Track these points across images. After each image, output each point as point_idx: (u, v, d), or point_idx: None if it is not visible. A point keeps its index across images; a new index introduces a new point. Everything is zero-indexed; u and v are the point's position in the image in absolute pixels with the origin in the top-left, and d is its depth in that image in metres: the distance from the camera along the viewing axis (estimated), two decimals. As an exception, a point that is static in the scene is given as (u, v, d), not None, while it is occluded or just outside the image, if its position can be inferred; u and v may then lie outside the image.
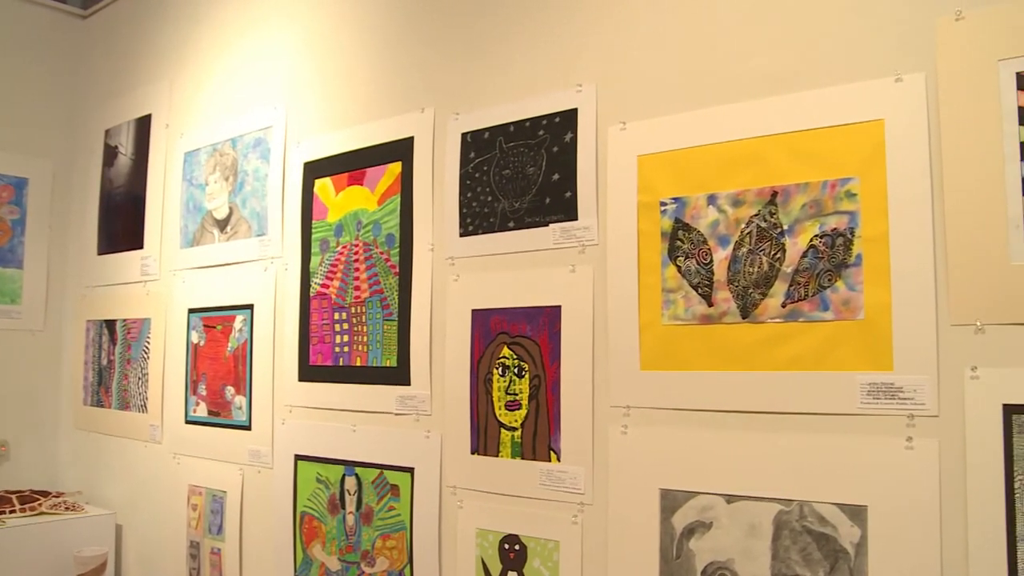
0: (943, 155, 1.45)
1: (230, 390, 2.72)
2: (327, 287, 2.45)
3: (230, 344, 2.74)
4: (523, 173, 2.01)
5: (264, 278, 2.65)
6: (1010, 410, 1.37)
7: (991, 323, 1.40)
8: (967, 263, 1.42)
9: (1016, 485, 1.35)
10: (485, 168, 2.10)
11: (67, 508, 3.10)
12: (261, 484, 2.60)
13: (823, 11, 1.60)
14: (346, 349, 2.38)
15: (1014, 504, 1.35)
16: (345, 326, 2.39)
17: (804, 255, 1.59)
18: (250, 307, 2.68)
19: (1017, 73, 1.39)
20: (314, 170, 2.54)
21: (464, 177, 2.14)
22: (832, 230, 1.56)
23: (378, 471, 2.27)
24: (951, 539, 1.41)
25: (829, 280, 1.56)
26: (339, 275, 2.42)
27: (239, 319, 2.72)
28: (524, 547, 1.95)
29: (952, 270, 1.43)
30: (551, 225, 1.95)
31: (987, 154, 1.40)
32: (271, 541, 2.54)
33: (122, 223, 3.31)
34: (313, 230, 2.51)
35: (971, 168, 1.42)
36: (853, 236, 1.54)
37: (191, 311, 2.90)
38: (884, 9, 1.53)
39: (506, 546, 1.98)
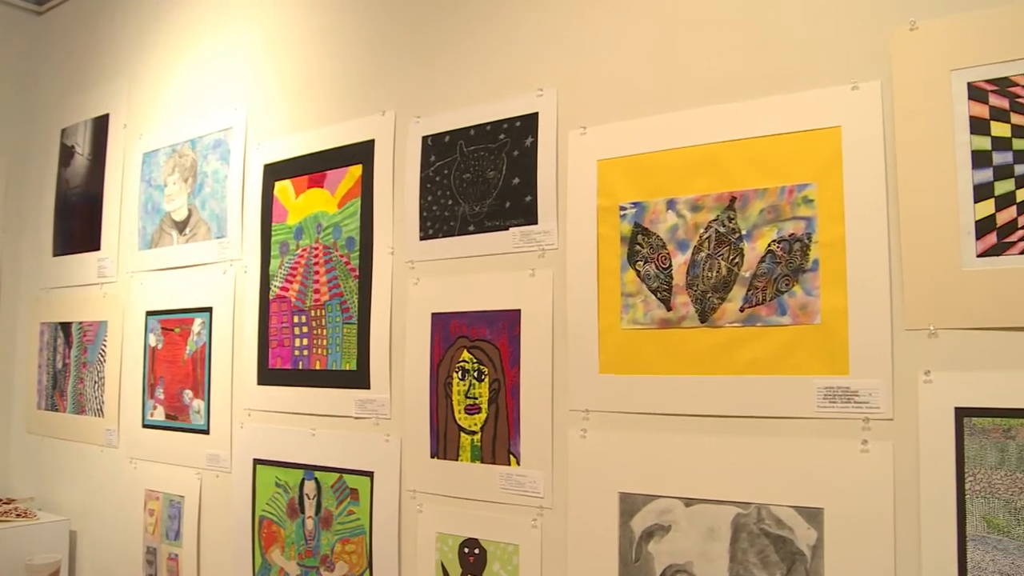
0: (898, 162, 1.45)
1: (188, 393, 2.66)
2: (287, 290, 2.40)
3: (188, 347, 2.68)
4: (483, 177, 1.99)
5: (223, 281, 2.60)
6: (962, 413, 1.37)
7: (944, 328, 1.40)
8: (921, 269, 1.42)
9: (967, 486, 1.36)
10: (446, 172, 2.07)
11: (19, 515, 3.00)
12: (219, 488, 2.54)
13: (782, 19, 1.61)
14: (305, 352, 2.34)
15: (965, 505, 1.36)
16: (304, 329, 2.35)
17: (762, 260, 1.58)
18: (209, 310, 2.63)
19: (969, 83, 1.40)
20: (274, 172, 2.49)
21: (424, 180, 2.11)
22: (790, 235, 1.56)
23: (337, 475, 2.23)
24: (904, 540, 1.42)
25: (787, 285, 1.55)
26: (299, 278, 2.38)
27: (198, 322, 2.66)
28: (484, 551, 1.93)
29: (906, 276, 1.44)
30: (511, 229, 1.93)
31: (940, 162, 1.41)
32: (229, 546, 2.48)
33: (79, 224, 3.22)
34: (273, 232, 2.47)
35: (925, 175, 1.42)
36: (810, 241, 1.54)
37: (149, 314, 2.83)
38: (841, 18, 1.54)
39: (466, 550, 1.96)
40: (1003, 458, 1.33)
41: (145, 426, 2.81)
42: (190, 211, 2.74)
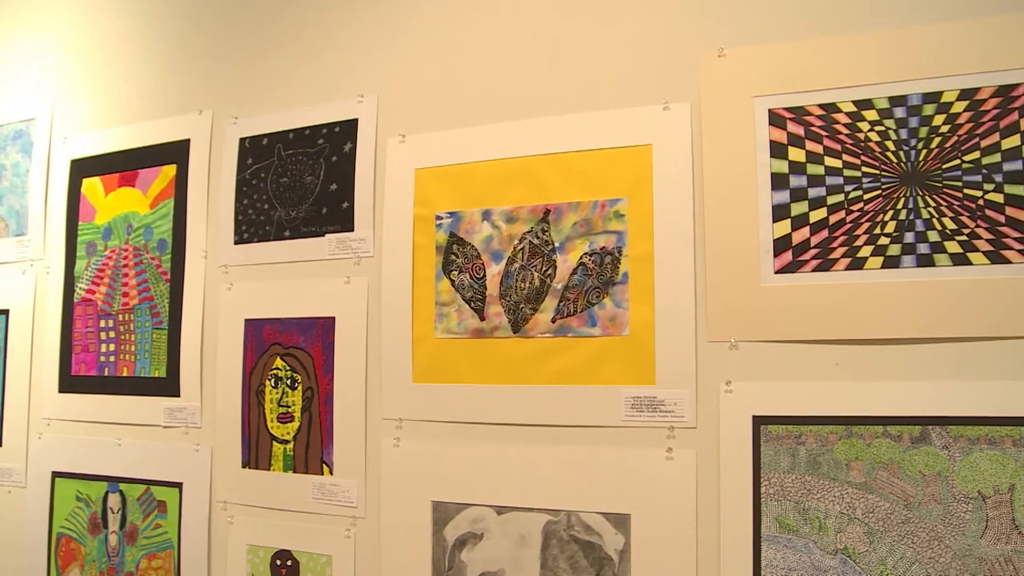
0: (704, 181, 1.39)
1: (-20, 402, 2.23)
2: (93, 293, 2.05)
3: (-19, 352, 2.25)
4: (301, 182, 1.76)
5: (23, 281, 2.20)
6: (759, 421, 1.33)
7: (743, 340, 1.35)
8: (723, 283, 1.36)
9: (762, 489, 1.32)
10: (263, 175, 1.82)
11: None
12: (11, 505, 2.14)
13: (598, 38, 1.51)
14: (112, 358, 2.00)
15: (760, 507, 1.32)
16: (112, 334, 2.01)
17: (574, 272, 1.46)
18: (5, 312, 2.22)
19: (769, 110, 1.36)
20: (82, 168, 2.13)
21: (241, 183, 1.85)
22: (601, 248, 1.45)
23: (144, 487, 1.92)
24: (706, 541, 1.36)
25: (597, 297, 1.44)
26: (106, 281, 2.04)
27: (-7, 325, 2.24)
28: (296, 563, 1.70)
29: (710, 290, 1.37)
30: (327, 235, 1.72)
31: (743, 182, 1.35)
32: (20, 569, 2.10)
33: None
34: (79, 232, 2.11)
35: (728, 194, 1.37)
36: (620, 255, 1.44)
37: (-63, 316, 2.37)
38: (655, 40, 1.46)
39: (278, 562, 1.73)
40: (794, 462, 1.30)
41: (-72, 437, 2.34)
42: (-13, 207, 2.30)
